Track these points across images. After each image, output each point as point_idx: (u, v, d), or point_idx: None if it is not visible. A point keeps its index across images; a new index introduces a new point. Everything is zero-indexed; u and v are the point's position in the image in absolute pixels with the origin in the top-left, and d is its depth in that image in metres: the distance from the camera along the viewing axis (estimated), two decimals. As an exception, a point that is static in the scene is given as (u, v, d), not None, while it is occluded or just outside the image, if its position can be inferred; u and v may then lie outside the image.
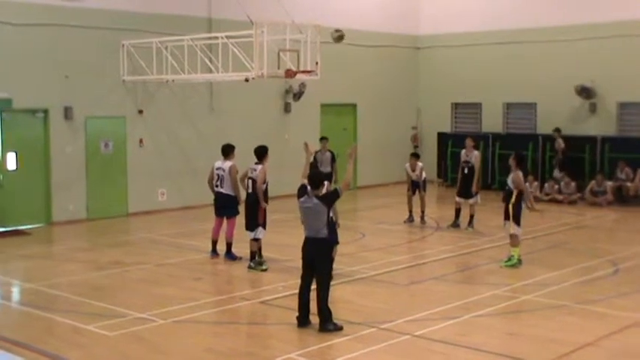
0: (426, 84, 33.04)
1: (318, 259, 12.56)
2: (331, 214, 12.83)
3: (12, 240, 20.64)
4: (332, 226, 13.01)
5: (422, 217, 22.43)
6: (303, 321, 12.66)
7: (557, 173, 27.50)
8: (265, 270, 16.64)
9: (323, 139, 23.93)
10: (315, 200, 12.49)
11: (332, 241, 13.02)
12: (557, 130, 27.91)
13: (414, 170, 22.32)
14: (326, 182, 13.43)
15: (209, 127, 25.69)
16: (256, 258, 16.99)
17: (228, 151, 17.95)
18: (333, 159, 23.50)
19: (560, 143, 27.52)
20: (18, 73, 21.75)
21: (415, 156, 22.81)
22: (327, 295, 12.50)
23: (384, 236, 20.97)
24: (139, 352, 11.70)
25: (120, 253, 18.87)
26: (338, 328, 12.35)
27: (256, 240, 16.95)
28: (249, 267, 16.93)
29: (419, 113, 33.27)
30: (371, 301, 14.50)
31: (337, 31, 27.17)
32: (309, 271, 12.67)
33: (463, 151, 21.97)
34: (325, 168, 22.38)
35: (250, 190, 17.02)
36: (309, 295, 12.67)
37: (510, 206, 16.96)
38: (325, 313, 12.43)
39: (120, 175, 23.98)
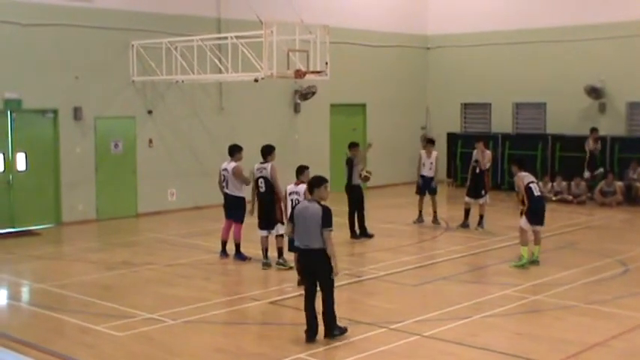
0: (436, 84, 33.02)
1: (319, 271, 11.88)
2: None
3: (22, 240, 20.69)
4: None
5: (434, 218, 22.36)
6: (312, 336, 11.99)
7: (586, 174, 27.02)
8: (292, 268, 16.19)
9: (353, 145, 21.08)
10: (316, 204, 11.86)
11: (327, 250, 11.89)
12: (592, 129, 27.39)
13: (429, 157, 22.20)
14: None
15: (218, 127, 25.71)
16: (283, 255, 16.89)
17: (233, 151, 17.96)
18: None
19: (590, 144, 27.01)
20: (27, 74, 21.80)
21: (431, 142, 22.69)
22: (333, 303, 11.98)
23: (394, 236, 20.95)
24: (148, 353, 11.71)
25: (129, 254, 18.90)
26: (343, 332, 12.13)
27: (281, 236, 16.75)
28: (278, 263, 16.91)
29: (428, 113, 33.25)
30: (381, 301, 14.49)
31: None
32: (311, 283, 12.04)
33: (475, 151, 21.92)
34: (359, 179, 20.82)
35: (263, 190, 17.02)
36: (314, 304, 12.00)
37: (521, 206, 17.09)
38: (331, 321, 12.01)
39: (129, 176, 24.02)
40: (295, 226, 11.99)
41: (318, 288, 12.03)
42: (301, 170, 15.87)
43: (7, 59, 21.50)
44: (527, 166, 18.12)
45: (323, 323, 12.03)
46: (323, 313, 11.97)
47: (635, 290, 15.04)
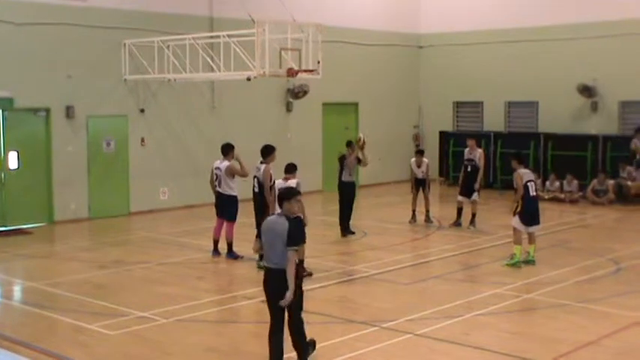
0: (428, 83, 33.04)
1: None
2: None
3: (14, 239, 20.65)
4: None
5: (427, 216, 22.39)
6: None
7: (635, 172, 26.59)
8: None
9: (351, 143, 21.26)
10: (285, 219, 10.35)
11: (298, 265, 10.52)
12: (638, 129, 26.92)
13: (419, 167, 22.27)
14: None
15: (211, 126, 25.70)
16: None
17: (226, 150, 17.95)
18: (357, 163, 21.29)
19: (636, 143, 26.52)
20: (20, 72, 21.76)
21: (420, 153, 22.77)
22: (304, 331, 10.67)
23: (386, 235, 20.96)
24: (140, 351, 11.69)
25: (122, 252, 18.88)
26: (313, 346, 11.15)
27: None
28: (260, 267, 16.85)
29: (421, 112, 33.27)
30: (373, 300, 14.49)
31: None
32: (277, 308, 10.42)
33: (466, 150, 21.99)
34: (351, 176, 21.05)
35: (257, 190, 17.03)
36: (282, 336, 10.54)
37: (514, 203, 17.09)
38: (303, 344, 10.70)
39: (122, 174, 23.99)
40: (263, 242, 10.58)
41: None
42: (290, 169, 16.24)
43: (-1, 58, 21.51)
44: (526, 162, 18.11)
45: (294, 348, 10.70)
46: (291, 334, 10.62)
47: (628, 289, 15.07)
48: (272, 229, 10.36)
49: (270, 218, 10.69)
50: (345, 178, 20.78)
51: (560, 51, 29.04)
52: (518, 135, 29.84)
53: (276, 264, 10.30)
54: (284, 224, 10.27)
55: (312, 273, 15.65)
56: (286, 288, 10.16)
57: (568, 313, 13.55)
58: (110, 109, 23.64)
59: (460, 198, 21.84)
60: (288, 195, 10.55)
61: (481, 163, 21.66)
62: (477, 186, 21.49)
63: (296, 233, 10.32)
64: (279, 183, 15.78)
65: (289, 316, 10.51)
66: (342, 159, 20.86)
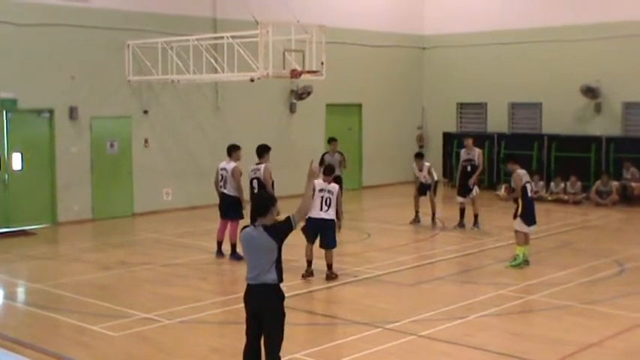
0: (431, 84, 33.02)
1: (266, 313, 9.44)
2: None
3: (17, 240, 20.67)
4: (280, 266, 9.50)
5: (432, 219, 22.35)
6: None
7: None
8: None
9: (332, 140, 23.00)
10: (262, 231, 9.29)
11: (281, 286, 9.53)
12: None
13: (420, 170, 22.25)
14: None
15: (214, 127, 25.71)
16: None
17: (231, 151, 18.00)
18: (342, 160, 22.57)
19: None
20: (23, 74, 21.77)
21: (419, 156, 22.79)
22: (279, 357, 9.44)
23: (390, 236, 20.96)
24: (144, 353, 11.70)
25: (125, 253, 18.89)
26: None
27: None
28: None
29: (424, 113, 33.25)
30: (376, 301, 14.48)
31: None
32: (255, 326, 9.55)
33: (463, 150, 22.01)
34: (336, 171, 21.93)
35: (257, 191, 17.06)
36: (259, 357, 9.62)
37: (516, 204, 17.04)
38: None
39: (125, 175, 23.99)
40: (244, 257, 9.75)
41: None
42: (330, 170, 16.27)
43: (2, 59, 21.45)
44: (520, 162, 18.05)
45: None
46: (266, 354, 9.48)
47: (631, 290, 15.06)
48: (253, 243, 9.40)
49: (246, 230, 9.52)
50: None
51: (564, 52, 29.01)
52: (521, 136, 29.82)
53: (256, 280, 9.43)
54: (264, 238, 9.29)
55: (337, 275, 15.93)
56: (268, 304, 9.37)
57: (572, 314, 13.54)
58: (114, 110, 23.66)
59: (461, 199, 21.81)
60: (264, 210, 9.45)
61: (480, 162, 21.66)
62: (471, 182, 21.45)
63: (280, 227, 9.34)
64: (319, 183, 15.69)
65: (265, 344, 9.43)
66: (322, 158, 21.71)
